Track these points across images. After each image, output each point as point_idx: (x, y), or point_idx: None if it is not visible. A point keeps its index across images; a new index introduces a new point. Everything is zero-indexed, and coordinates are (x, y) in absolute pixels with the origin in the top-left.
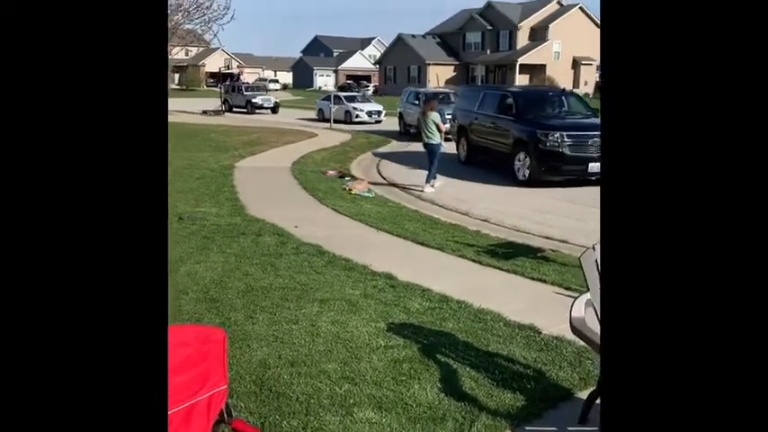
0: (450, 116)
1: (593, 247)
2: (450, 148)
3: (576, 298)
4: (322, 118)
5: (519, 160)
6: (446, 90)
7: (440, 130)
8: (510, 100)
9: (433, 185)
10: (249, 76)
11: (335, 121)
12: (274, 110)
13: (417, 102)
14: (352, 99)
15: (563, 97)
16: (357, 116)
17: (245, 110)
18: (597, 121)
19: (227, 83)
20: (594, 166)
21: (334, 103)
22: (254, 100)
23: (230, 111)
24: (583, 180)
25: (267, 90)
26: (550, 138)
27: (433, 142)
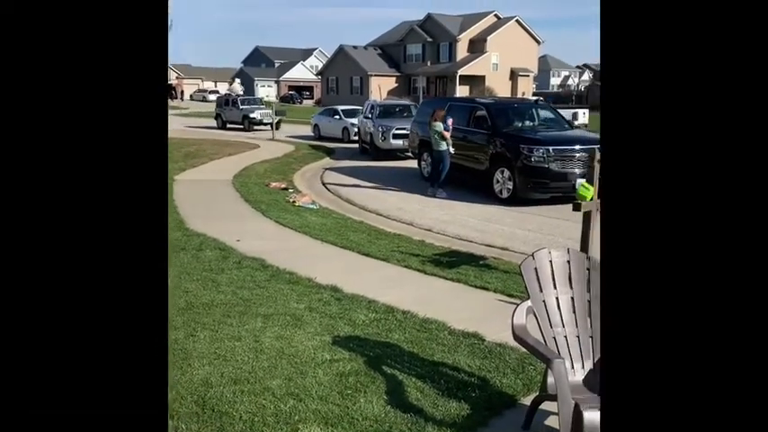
0: (404, 131)
1: (533, 256)
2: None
3: (517, 305)
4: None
5: (499, 178)
6: (405, 102)
7: (444, 138)
8: (482, 112)
9: (438, 194)
10: (188, 88)
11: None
12: (277, 125)
13: (370, 116)
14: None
15: (536, 109)
16: (254, 119)
17: (241, 126)
18: (580, 133)
19: (221, 95)
20: (581, 182)
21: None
22: (251, 115)
23: (224, 127)
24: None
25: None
26: (536, 153)
27: (440, 149)
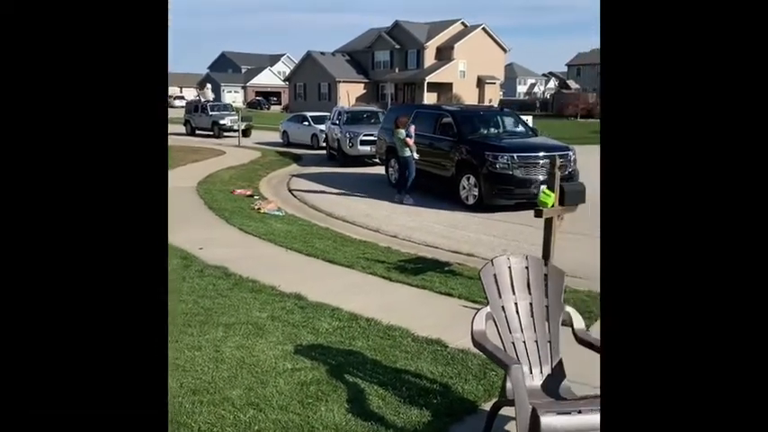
0: (372, 137)
1: (492, 262)
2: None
3: (477, 311)
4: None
5: (465, 184)
6: (373, 109)
7: (407, 145)
8: (448, 119)
9: (405, 200)
10: None
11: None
12: (245, 132)
13: (338, 122)
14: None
15: (500, 116)
16: (224, 125)
17: (211, 132)
18: (544, 140)
19: (191, 101)
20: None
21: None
22: (221, 121)
23: (193, 133)
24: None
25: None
26: (500, 160)
27: (405, 155)
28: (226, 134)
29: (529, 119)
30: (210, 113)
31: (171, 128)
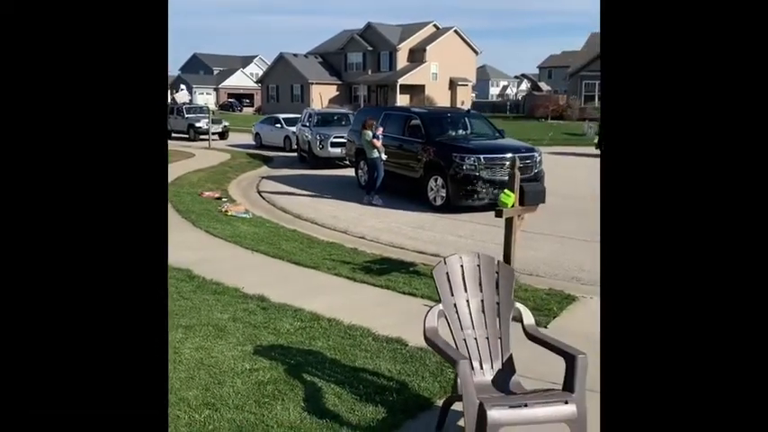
0: (342, 139)
1: (445, 260)
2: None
3: (429, 309)
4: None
5: (433, 186)
6: (343, 111)
7: (374, 146)
8: (416, 121)
9: (373, 201)
10: None
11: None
12: (223, 135)
13: (308, 124)
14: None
15: (467, 118)
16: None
17: (186, 135)
18: (510, 142)
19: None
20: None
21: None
22: (197, 124)
23: (169, 137)
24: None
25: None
26: (467, 161)
27: (373, 156)
28: (202, 137)
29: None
30: (186, 116)
31: None
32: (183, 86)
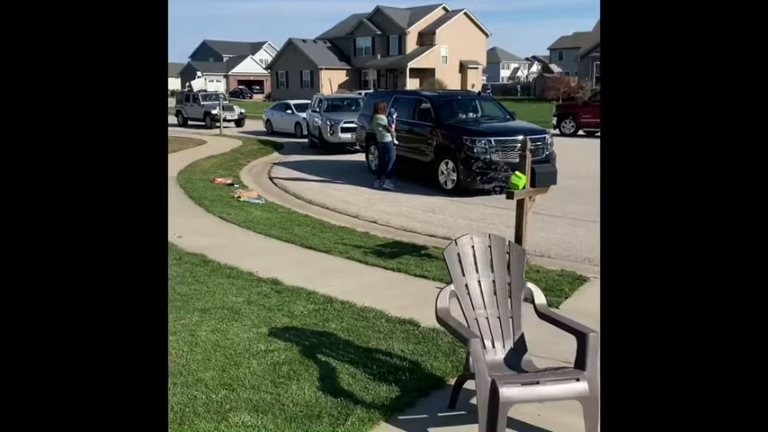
0: (352, 124)
1: (456, 242)
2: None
3: (441, 289)
4: (181, 121)
5: (443, 169)
6: (353, 95)
7: (388, 130)
8: (426, 105)
9: (385, 185)
10: None
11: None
12: (239, 122)
13: (318, 110)
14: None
15: (478, 101)
16: (216, 116)
17: (202, 123)
18: (522, 124)
19: (183, 91)
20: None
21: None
22: (213, 111)
23: (185, 124)
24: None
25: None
26: (478, 144)
27: (385, 141)
28: (219, 124)
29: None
30: (203, 103)
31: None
32: (199, 73)
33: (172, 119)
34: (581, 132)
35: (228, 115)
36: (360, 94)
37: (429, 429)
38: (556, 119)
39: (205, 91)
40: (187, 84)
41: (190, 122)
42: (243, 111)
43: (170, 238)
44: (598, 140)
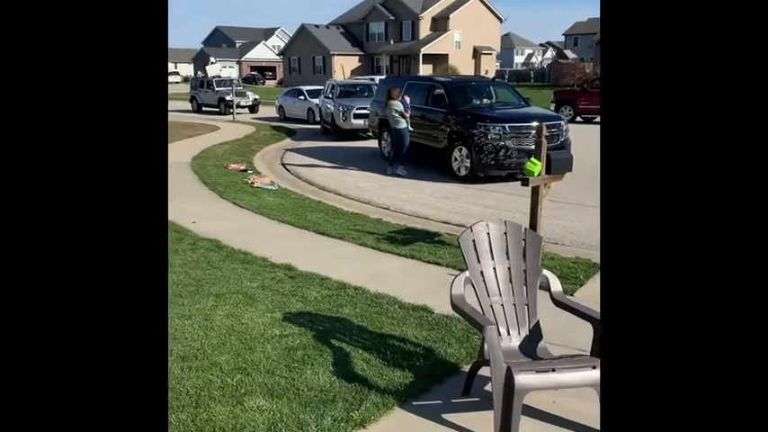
0: (365, 110)
1: (471, 228)
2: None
3: (455, 276)
4: (196, 108)
5: (457, 156)
6: (365, 81)
7: (404, 117)
8: (440, 91)
9: (398, 171)
10: None
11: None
12: (253, 109)
13: (331, 96)
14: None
15: (492, 87)
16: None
17: (217, 109)
18: (536, 110)
19: (197, 77)
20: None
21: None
22: (228, 97)
23: (199, 110)
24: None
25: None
26: (492, 130)
27: (399, 128)
28: (232, 110)
29: None
30: (217, 89)
31: (175, 105)
32: (212, 59)
33: (186, 105)
34: (579, 119)
35: (243, 101)
36: (372, 80)
37: (443, 415)
38: (554, 105)
39: (219, 77)
40: (200, 70)
41: (204, 108)
42: (257, 97)
43: (184, 224)
44: (597, 126)
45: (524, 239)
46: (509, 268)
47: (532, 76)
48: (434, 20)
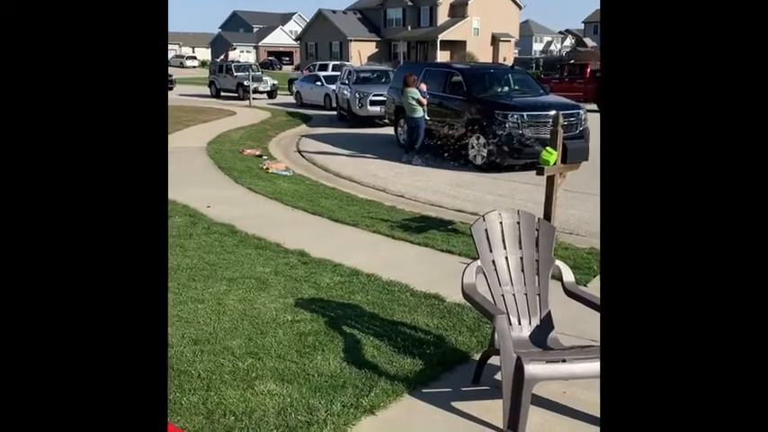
0: (382, 97)
1: (483, 217)
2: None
3: (467, 265)
4: (214, 92)
5: (474, 144)
6: (383, 68)
7: (421, 104)
8: (457, 78)
9: (413, 161)
10: None
11: (225, 91)
12: (271, 94)
13: (347, 82)
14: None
15: (511, 74)
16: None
17: (236, 94)
18: (555, 99)
19: (216, 62)
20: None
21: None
22: (246, 83)
23: (218, 95)
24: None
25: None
26: (510, 119)
27: (416, 116)
28: (252, 96)
29: None
30: (236, 74)
31: (194, 89)
32: (233, 44)
33: (204, 89)
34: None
35: (261, 86)
36: (392, 66)
37: (453, 403)
38: None
39: (238, 62)
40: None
41: (223, 93)
42: (276, 82)
43: (199, 209)
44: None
45: (537, 229)
46: (521, 258)
47: (541, 64)
48: (453, 6)
